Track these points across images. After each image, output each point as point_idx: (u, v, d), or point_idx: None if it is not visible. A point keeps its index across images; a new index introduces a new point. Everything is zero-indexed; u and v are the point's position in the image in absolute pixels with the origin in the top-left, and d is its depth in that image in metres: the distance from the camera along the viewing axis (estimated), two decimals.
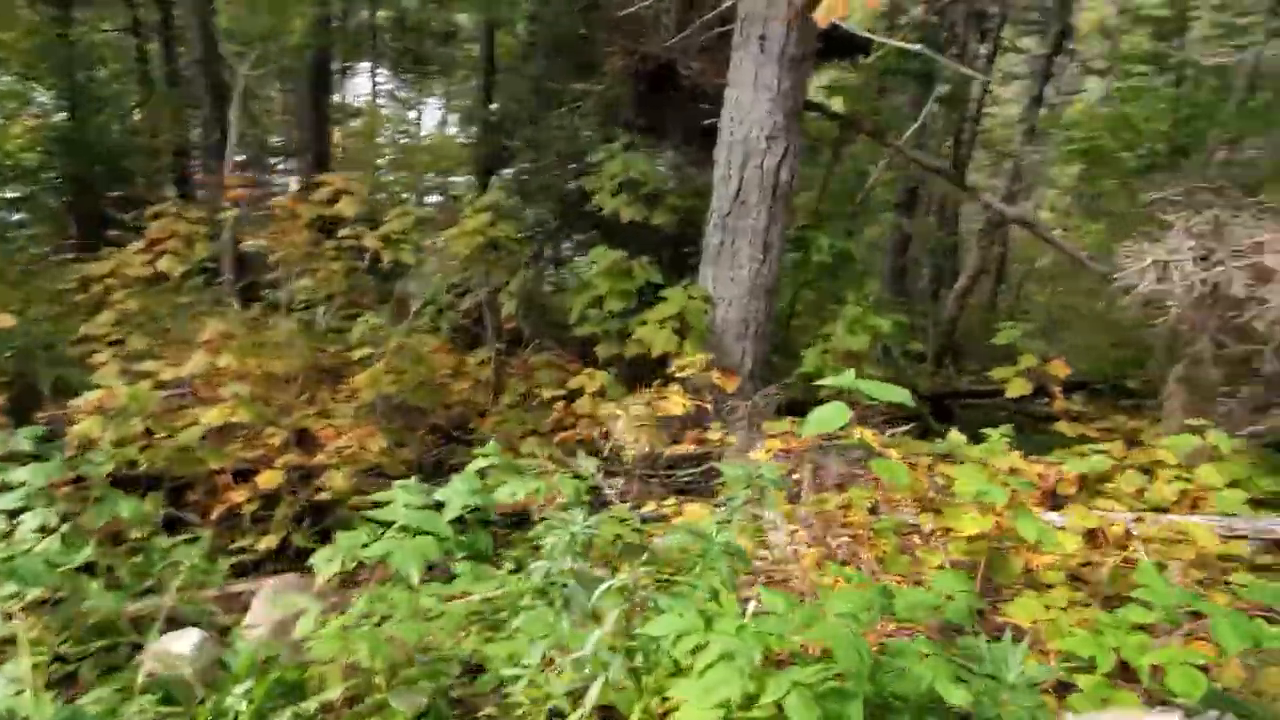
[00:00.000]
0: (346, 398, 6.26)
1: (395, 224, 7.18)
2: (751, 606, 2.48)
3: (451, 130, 23.13)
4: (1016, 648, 2.33)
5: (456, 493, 3.40)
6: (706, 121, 6.71)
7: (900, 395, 3.68)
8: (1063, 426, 5.90)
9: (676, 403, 4.91)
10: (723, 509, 3.57)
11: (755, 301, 6.78)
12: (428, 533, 3.25)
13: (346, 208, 6.13)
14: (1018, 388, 6.14)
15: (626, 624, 2.71)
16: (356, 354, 5.95)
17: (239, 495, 5.44)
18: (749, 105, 6.34)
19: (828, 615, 2.43)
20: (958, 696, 2.28)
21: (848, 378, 3.55)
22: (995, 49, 12.38)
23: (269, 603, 4.79)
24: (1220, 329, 4.92)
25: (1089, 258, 6.87)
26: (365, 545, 3.19)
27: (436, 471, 6.74)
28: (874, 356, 6.54)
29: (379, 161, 19.61)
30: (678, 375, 5.55)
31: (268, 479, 5.42)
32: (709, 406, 5.01)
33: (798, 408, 6.52)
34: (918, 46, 5.78)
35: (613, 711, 2.88)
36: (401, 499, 3.37)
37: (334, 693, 2.98)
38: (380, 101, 22.26)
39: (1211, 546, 3.42)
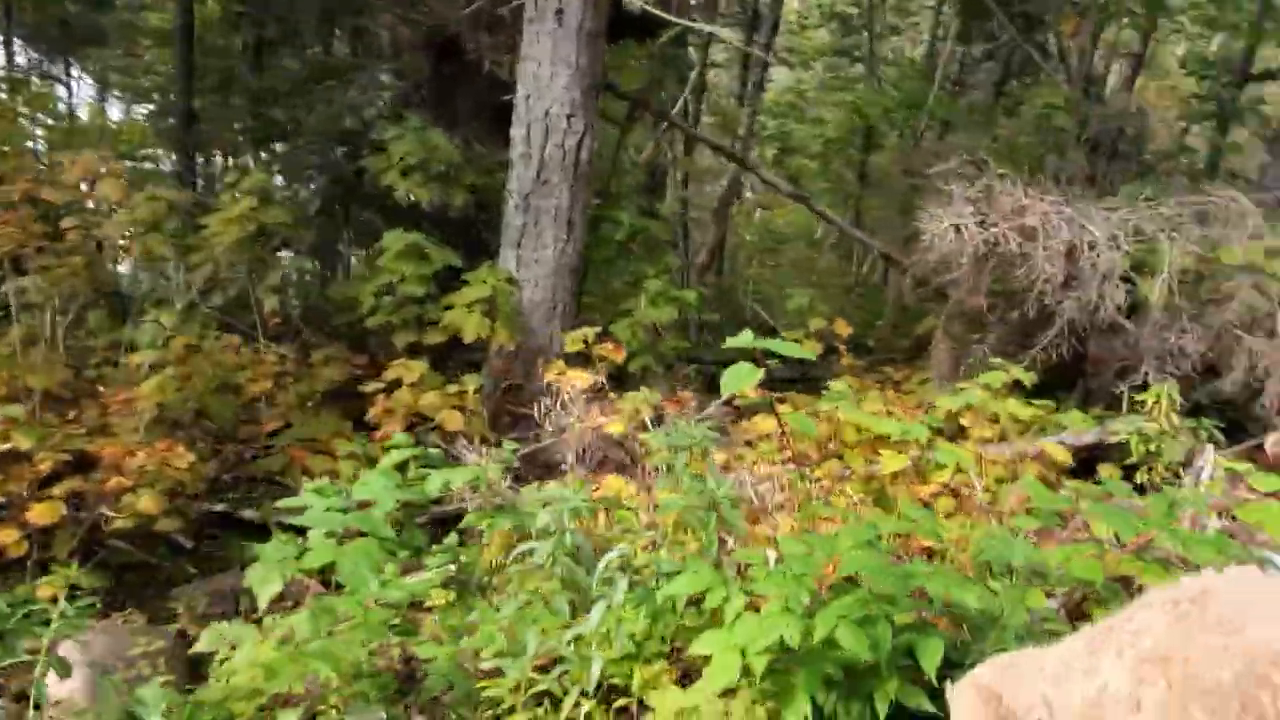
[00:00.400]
0: (118, 411, 5.38)
1: (143, 210, 6.28)
2: (772, 555, 2.55)
3: (113, 110, 20.30)
4: (1017, 538, 2.63)
5: (383, 489, 3.10)
6: (505, 98, 6.54)
7: (804, 352, 3.97)
8: (851, 380, 6.55)
9: (578, 375, 4.81)
10: (644, 478, 3.61)
11: (561, 281, 6.78)
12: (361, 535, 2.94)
13: (110, 190, 5.24)
14: (808, 349, 6.70)
15: (630, 592, 2.67)
16: (137, 359, 5.12)
17: (5, 536, 4.53)
18: (547, 81, 6.29)
19: (843, 550, 2.58)
20: (972, 598, 2.53)
21: (746, 337, 3.75)
22: (709, 39, 13.22)
23: (79, 653, 4.15)
24: (978, 284, 5.75)
25: (854, 228, 7.65)
26: (298, 556, 2.81)
27: (236, 485, 6.06)
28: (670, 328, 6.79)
29: (30, 145, 16.72)
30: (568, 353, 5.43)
31: (43, 512, 4.58)
32: (603, 378, 4.96)
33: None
34: (710, 27, 6.09)
35: (612, 689, 2.82)
36: (320, 503, 3.01)
37: None
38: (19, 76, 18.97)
39: (1065, 461, 4.08)
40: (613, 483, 3.87)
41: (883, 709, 2.39)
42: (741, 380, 3.52)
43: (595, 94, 6.52)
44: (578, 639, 2.68)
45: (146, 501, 4.49)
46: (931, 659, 2.49)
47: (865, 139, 11.44)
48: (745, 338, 3.76)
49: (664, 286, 6.84)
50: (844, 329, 6.65)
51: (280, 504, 3.12)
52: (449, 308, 6.55)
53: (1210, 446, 5.04)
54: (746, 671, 2.48)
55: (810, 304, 6.94)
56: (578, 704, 2.75)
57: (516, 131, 6.51)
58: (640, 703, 2.64)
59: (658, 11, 6.04)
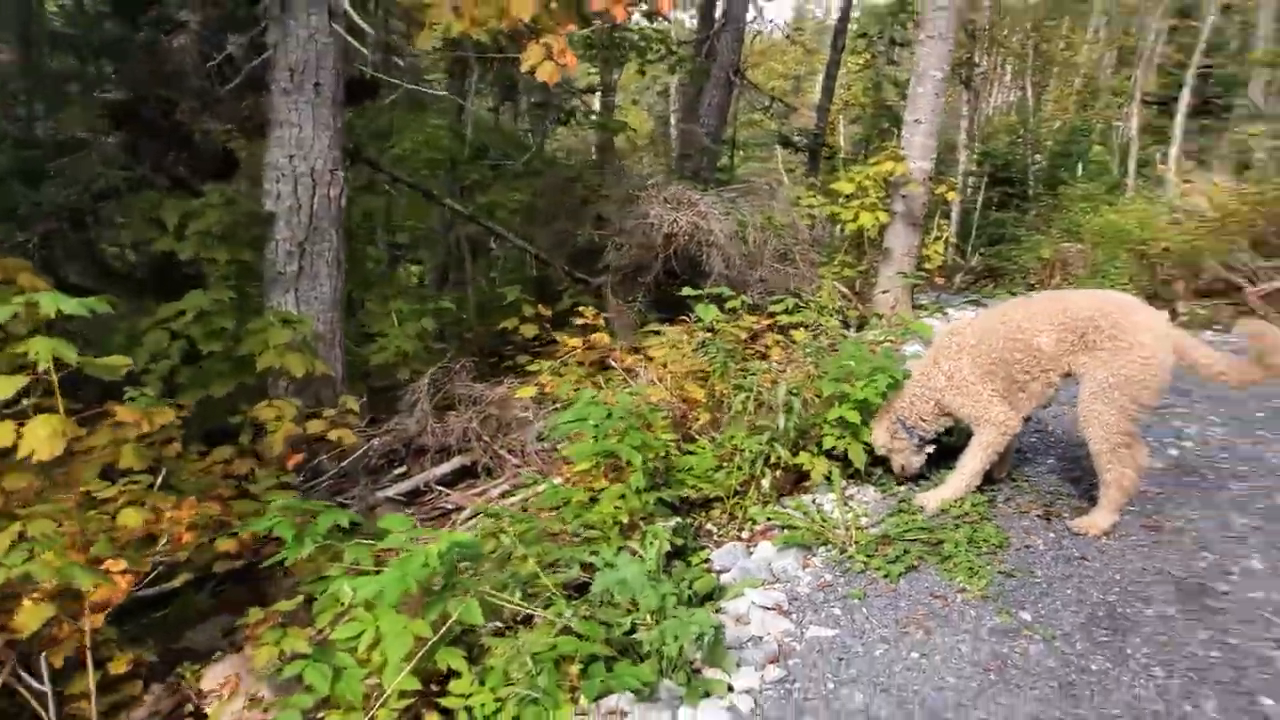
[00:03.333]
0: None
1: None
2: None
3: None
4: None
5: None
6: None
7: (735, 301, 6.33)
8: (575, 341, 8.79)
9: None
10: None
11: (336, 314, 7.70)
12: None
13: None
14: (531, 330, 8.76)
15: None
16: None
17: None
18: (310, 142, 7.20)
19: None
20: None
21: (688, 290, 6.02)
22: None
23: None
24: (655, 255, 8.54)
25: (515, 239, 9.75)
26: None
27: None
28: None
29: None
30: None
31: None
32: None
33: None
34: (427, 89, 7.43)
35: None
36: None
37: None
38: None
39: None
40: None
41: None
42: (710, 313, 5.79)
43: (344, 151, 7.57)
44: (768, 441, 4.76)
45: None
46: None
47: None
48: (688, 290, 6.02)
49: (411, 305, 8.20)
50: (545, 311, 8.83)
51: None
52: (241, 356, 7.01)
53: None
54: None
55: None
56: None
57: (282, 187, 7.24)
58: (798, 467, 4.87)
59: (383, 76, 7.41)
